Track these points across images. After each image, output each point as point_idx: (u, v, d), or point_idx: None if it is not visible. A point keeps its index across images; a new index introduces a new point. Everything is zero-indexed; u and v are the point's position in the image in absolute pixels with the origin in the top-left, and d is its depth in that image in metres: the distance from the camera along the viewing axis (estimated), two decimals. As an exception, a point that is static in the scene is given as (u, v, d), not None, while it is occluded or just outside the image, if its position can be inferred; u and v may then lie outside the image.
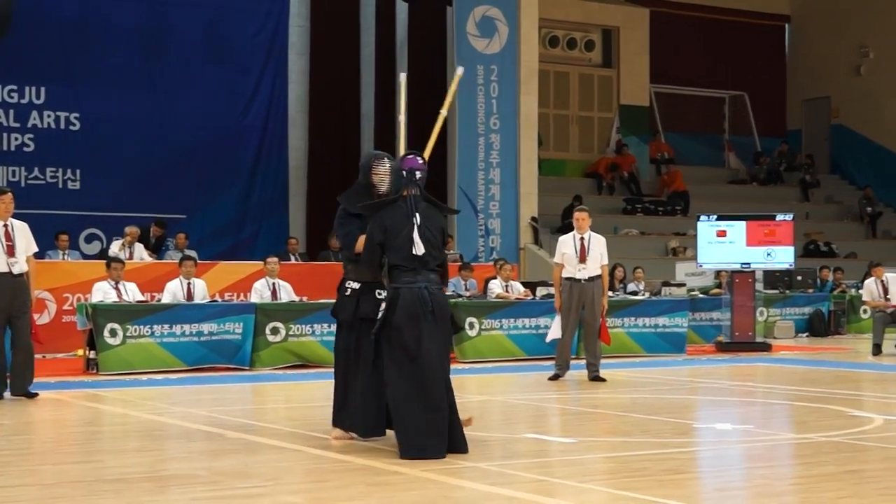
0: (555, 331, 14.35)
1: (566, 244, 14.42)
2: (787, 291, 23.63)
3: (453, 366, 9.06)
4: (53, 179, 22.50)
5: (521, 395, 13.18)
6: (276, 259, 17.53)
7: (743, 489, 7.44)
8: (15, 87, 22.39)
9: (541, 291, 18.72)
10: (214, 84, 23.78)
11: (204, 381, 14.39)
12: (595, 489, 7.12)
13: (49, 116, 22.56)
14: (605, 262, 14.45)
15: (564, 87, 30.85)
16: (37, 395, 12.28)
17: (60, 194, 22.41)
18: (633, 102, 31.46)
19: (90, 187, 22.67)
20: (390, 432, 8.56)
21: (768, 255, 19.68)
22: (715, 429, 10.14)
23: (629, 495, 6.90)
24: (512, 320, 17.60)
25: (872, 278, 19.57)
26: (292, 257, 20.68)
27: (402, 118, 9.62)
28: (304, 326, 16.24)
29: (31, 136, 22.42)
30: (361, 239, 8.72)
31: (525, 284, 19.33)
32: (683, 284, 21.57)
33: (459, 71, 10.16)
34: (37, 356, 12.83)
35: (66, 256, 19.12)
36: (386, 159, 9.09)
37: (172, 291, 16.38)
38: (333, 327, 16.01)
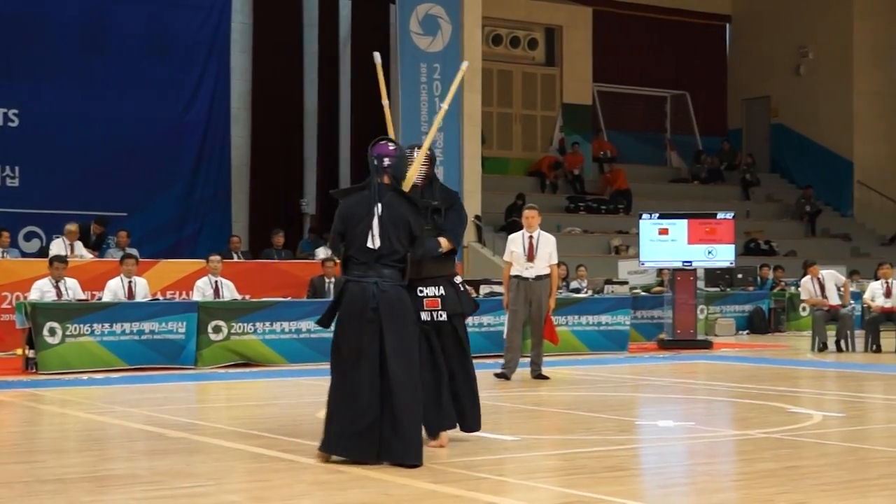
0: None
1: (515, 242, 14.41)
2: (728, 289, 23.80)
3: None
4: (-8, 176, 22.30)
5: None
6: (218, 257, 17.45)
7: (685, 486, 7.48)
8: (-48, 83, 22.18)
9: (484, 289, 18.74)
10: (156, 80, 23.61)
11: (146, 381, 14.28)
12: (538, 486, 7.14)
13: (-13, 113, 22.36)
14: (555, 261, 14.42)
15: (507, 85, 30.90)
16: (-25, 394, 12.16)
17: (-1, 192, 22.22)
18: (576, 101, 31.56)
19: (29, 184, 22.46)
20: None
21: (709, 253, 19.81)
22: (657, 426, 10.20)
23: (572, 492, 6.92)
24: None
25: (809, 277, 19.74)
26: (235, 255, 20.58)
27: (386, 102, 9.01)
28: (246, 325, 16.16)
29: (-31, 133, 22.22)
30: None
31: (469, 282, 19.30)
32: (626, 282, 21.67)
33: (464, 65, 9.61)
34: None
35: (5, 254, 18.92)
36: (412, 149, 8.71)
37: (113, 290, 16.25)
38: (276, 325, 16.21)
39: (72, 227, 19.47)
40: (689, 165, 33.58)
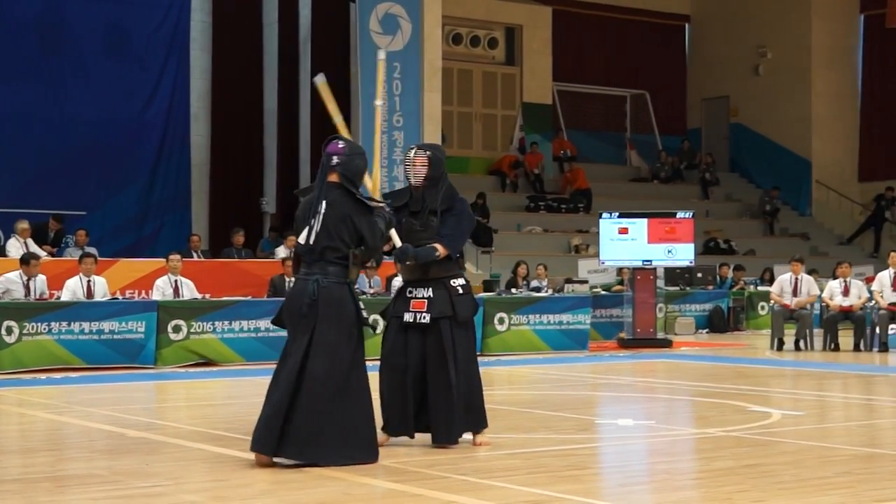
0: None
1: None
2: (688, 288, 23.90)
3: None
4: (-52, 174, 22.10)
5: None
6: (178, 256, 17.39)
7: (644, 484, 7.51)
8: None
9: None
10: (114, 79, 23.44)
11: (105, 380, 14.21)
12: (497, 485, 7.14)
13: (-58, 110, 22.16)
14: None
15: (468, 84, 30.92)
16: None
17: (-45, 189, 22.02)
18: (536, 100, 31.63)
19: (-13, 183, 22.28)
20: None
21: (669, 252, 19.88)
22: (617, 424, 10.23)
23: (531, 491, 6.93)
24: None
25: (790, 274, 19.80)
26: (195, 254, 20.50)
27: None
28: (206, 324, 16.11)
29: (-77, 130, 22.01)
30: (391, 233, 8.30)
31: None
32: (586, 281, 21.74)
33: (381, 55, 9.50)
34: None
35: (-38, 253, 18.79)
36: (413, 149, 8.65)
37: (72, 289, 16.16)
38: (235, 324, 16.16)
39: (23, 224, 19.34)
40: (649, 165, 33.69)
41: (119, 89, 23.49)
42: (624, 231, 19.95)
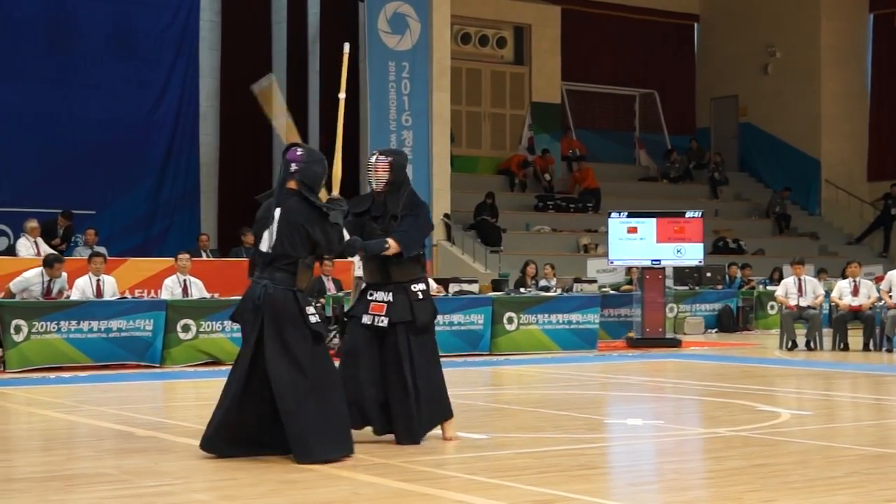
0: None
1: None
2: (697, 288, 23.86)
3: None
4: (-42, 175, 22.16)
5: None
6: (187, 255, 17.40)
7: (654, 484, 7.50)
8: (-82, 81, 22.02)
9: (454, 287, 18.75)
10: (124, 78, 23.52)
11: (114, 379, 14.24)
12: (506, 485, 7.14)
13: (-47, 111, 22.23)
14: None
15: (476, 84, 30.89)
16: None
17: (-36, 190, 22.09)
18: (545, 100, 31.58)
19: (-4, 183, 22.35)
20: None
21: (678, 251, 19.86)
22: (626, 424, 10.22)
23: (542, 491, 6.92)
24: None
25: (793, 276, 19.79)
26: (203, 254, 20.53)
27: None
28: (214, 324, 16.13)
29: (-66, 130, 22.06)
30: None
31: (438, 281, 19.34)
32: (595, 281, 21.70)
33: (346, 48, 9.27)
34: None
35: (-27, 253, 18.83)
36: (374, 155, 8.73)
37: (81, 288, 16.19)
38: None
39: (32, 223, 19.39)
40: (658, 164, 33.66)
41: (128, 89, 23.56)
42: (633, 230, 19.93)
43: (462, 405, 11.26)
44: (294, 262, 7.93)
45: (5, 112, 22.37)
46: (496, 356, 17.41)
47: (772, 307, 23.56)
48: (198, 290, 16.98)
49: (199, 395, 13.39)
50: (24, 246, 18.88)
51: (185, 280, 16.97)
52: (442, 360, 8.87)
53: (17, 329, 14.96)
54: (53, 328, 15.20)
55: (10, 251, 19.44)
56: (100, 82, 23.22)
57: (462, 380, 13.90)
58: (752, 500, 6.70)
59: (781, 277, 22.68)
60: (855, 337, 19.08)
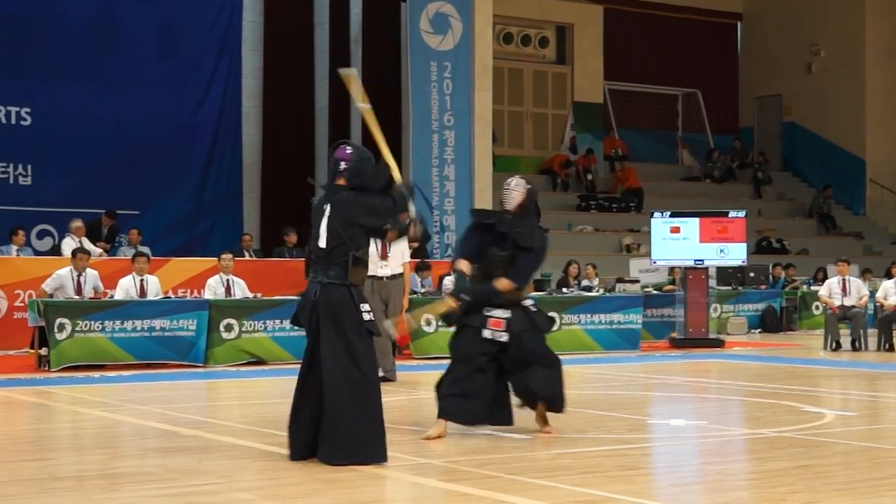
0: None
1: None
2: (740, 288, 23.77)
3: None
4: (4, 175, 22.29)
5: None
6: (230, 255, 17.44)
7: (697, 485, 7.48)
8: (-36, 82, 22.20)
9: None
10: (167, 79, 23.64)
11: (157, 378, 14.31)
12: (549, 485, 7.13)
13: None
14: (407, 259, 14.13)
15: (518, 83, 30.89)
16: (-13, 392, 12.19)
17: (11, 190, 22.21)
18: (587, 99, 31.55)
19: (41, 183, 22.48)
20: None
21: (721, 251, 19.78)
22: (669, 425, 10.19)
23: (584, 491, 6.91)
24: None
25: (837, 276, 19.68)
26: (246, 254, 20.59)
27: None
28: (257, 323, 16.19)
29: (-20, 131, 22.24)
30: None
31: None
32: (637, 281, 21.65)
33: (353, 71, 9.09)
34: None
35: (19, 253, 18.94)
36: (513, 180, 9.32)
37: (125, 288, 16.28)
38: (286, 323, 16.20)
39: (77, 223, 19.52)
40: (701, 164, 33.55)
41: (171, 89, 23.68)
42: (676, 230, 19.87)
43: (504, 405, 11.23)
44: (346, 256, 7.97)
45: (51, 112, 22.53)
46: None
47: (816, 307, 23.43)
48: (240, 290, 17.03)
49: (242, 394, 13.46)
50: (69, 246, 18.97)
51: (227, 280, 17.04)
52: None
53: (61, 327, 15.08)
54: (98, 327, 15.30)
55: (56, 251, 19.57)
56: (144, 83, 23.35)
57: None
58: (796, 502, 6.67)
59: (825, 277, 22.56)
60: (900, 337, 18.94)
